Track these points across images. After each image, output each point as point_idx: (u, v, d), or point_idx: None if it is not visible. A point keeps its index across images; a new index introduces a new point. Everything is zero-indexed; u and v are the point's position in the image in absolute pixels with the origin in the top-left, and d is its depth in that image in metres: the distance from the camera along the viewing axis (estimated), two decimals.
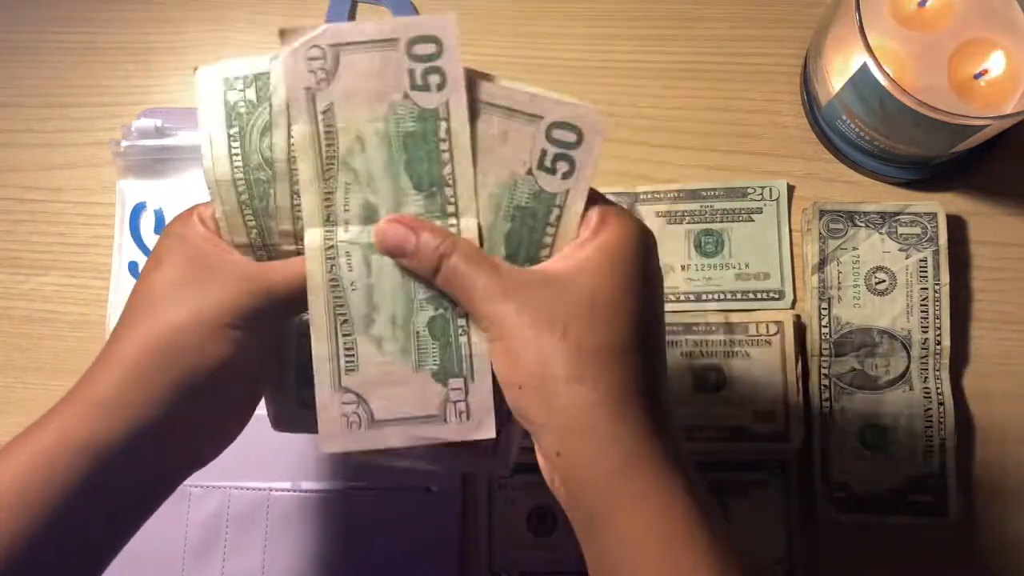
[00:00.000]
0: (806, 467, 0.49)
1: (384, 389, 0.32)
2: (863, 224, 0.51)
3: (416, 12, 0.56)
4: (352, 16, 0.57)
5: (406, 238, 0.31)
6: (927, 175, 0.52)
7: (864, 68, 0.45)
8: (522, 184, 0.31)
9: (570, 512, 0.30)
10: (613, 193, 0.53)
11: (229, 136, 0.33)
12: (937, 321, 0.50)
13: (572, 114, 0.31)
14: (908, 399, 0.49)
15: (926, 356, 0.49)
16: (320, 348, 0.32)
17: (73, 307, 0.54)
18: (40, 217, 0.55)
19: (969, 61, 0.48)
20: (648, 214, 0.52)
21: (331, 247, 0.32)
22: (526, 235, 0.32)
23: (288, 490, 0.50)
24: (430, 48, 0.30)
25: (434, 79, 0.31)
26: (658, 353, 0.31)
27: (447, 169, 0.31)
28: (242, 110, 0.32)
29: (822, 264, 0.50)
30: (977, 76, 0.48)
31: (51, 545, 0.30)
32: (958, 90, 0.47)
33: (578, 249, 0.31)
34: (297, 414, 0.37)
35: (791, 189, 0.53)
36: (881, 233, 0.50)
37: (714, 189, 0.52)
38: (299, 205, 0.32)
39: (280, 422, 0.37)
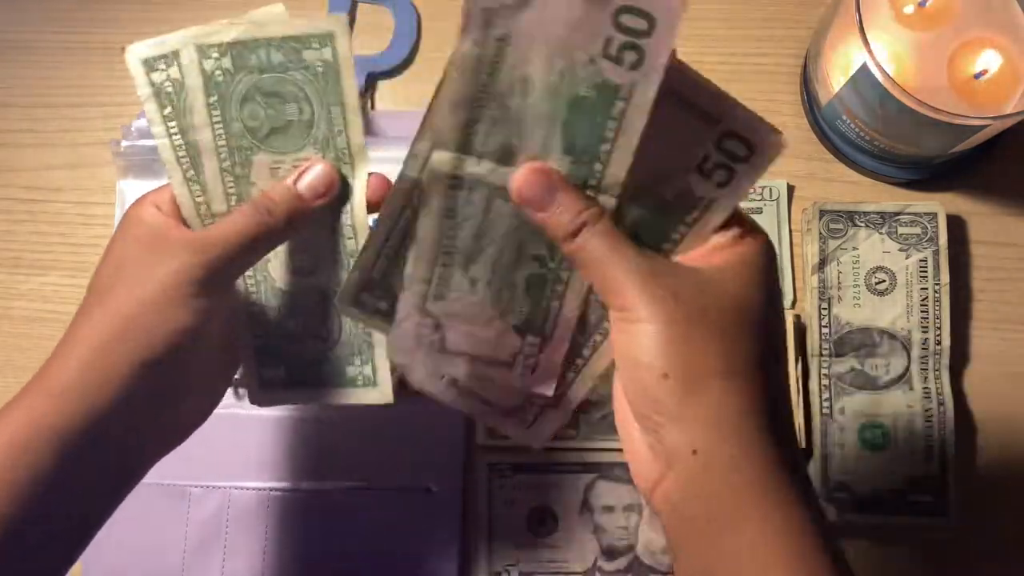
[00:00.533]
0: (806, 467, 0.49)
1: (464, 324, 0.32)
2: (863, 224, 0.51)
3: (416, 12, 0.56)
4: (352, 16, 0.57)
5: (548, 192, 0.29)
6: (927, 175, 0.52)
7: (864, 68, 0.45)
8: (676, 181, 0.30)
9: (675, 515, 0.29)
10: None
11: (209, 105, 0.33)
12: (937, 321, 0.50)
13: (747, 125, 0.29)
14: (908, 399, 0.49)
15: (926, 356, 0.49)
16: (417, 268, 0.31)
17: (73, 307, 0.53)
18: (40, 217, 0.55)
19: (969, 61, 0.48)
20: None
21: (457, 176, 0.30)
22: (656, 225, 0.30)
23: (288, 490, 0.50)
24: (640, 23, 0.27)
25: (630, 56, 0.27)
26: (785, 373, 0.31)
27: (606, 147, 0.29)
28: (220, 79, 0.33)
29: (822, 264, 0.50)
30: (977, 76, 0.48)
31: (21, 532, 0.30)
32: (958, 90, 0.47)
33: (714, 253, 0.30)
34: (262, 392, 0.38)
35: (791, 189, 0.53)
36: (881, 233, 0.50)
37: None
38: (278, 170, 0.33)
39: (252, 398, 0.39)
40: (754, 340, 0.29)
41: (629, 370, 0.29)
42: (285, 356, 0.38)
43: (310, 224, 0.35)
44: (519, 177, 0.29)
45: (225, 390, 0.37)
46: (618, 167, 0.29)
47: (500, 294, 0.31)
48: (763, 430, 0.28)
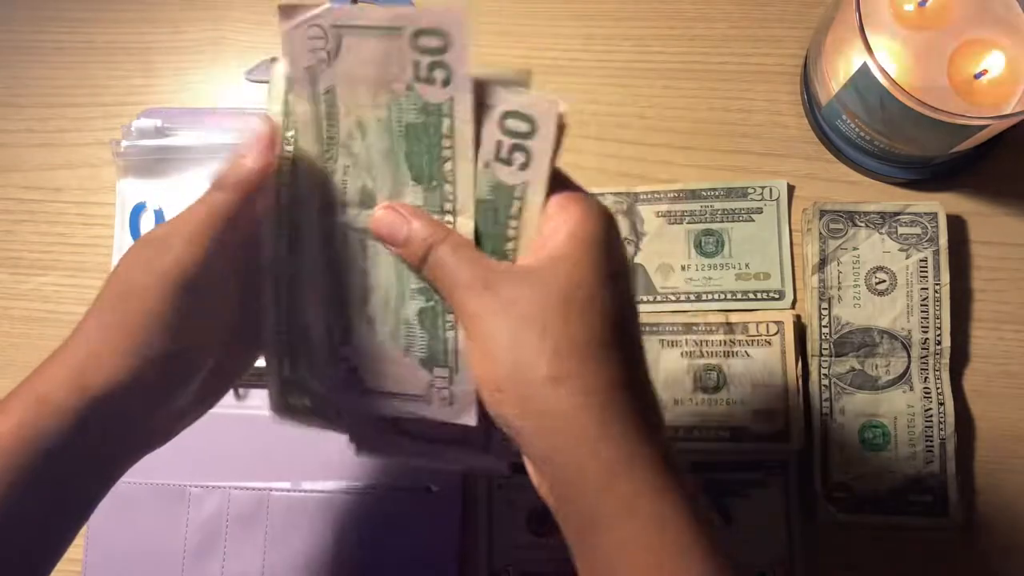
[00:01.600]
0: (806, 467, 0.49)
1: (375, 364, 0.32)
2: (863, 224, 0.51)
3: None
4: None
5: (399, 226, 0.30)
6: (927, 175, 0.52)
7: (864, 68, 0.45)
8: (481, 177, 0.30)
9: (560, 519, 0.30)
10: (613, 193, 0.53)
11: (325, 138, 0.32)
12: (937, 321, 0.50)
13: (525, 103, 0.29)
14: (908, 399, 0.49)
15: (926, 356, 0.49)
16: (317, 320, 0.32)
17: (73, 307, 0.54)
18: (40, 217, 0.55)
19: (969, 61, 0.48)
20: (648, 214, 0.52)
21: (329, 228, 0.31)
22: (490, 228, 0.31)
23: (288, 490, 0.50)
24: (435, 42, 0.29)
25: (439, 74, 0.29)
26: (637, 345, 0.30)
27: (448, 166, 0.30)
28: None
29: (822, 264, 0.50)
30: (977, 76, 0.48)
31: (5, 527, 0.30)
32: (958, 90, 0.47)
33: (548, 239, 0.29)
34: (287, 414, 0.36)
35: (791, 189, 0.53)
36: (881, 233, 0.50)
37: (714, 189, 0.52)
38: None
39: (274, 414, 0.37)
40: (585, 327, 0.28)
41: (480, 389, 0.30)
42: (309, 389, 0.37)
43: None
44: (374, 219, 0.31)
45: (224, 393, 0.37)
46: (464, 184, 0.30)
47: (397, 332, 0.32)
48: (608, 423, 0.28)
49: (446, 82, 0.29)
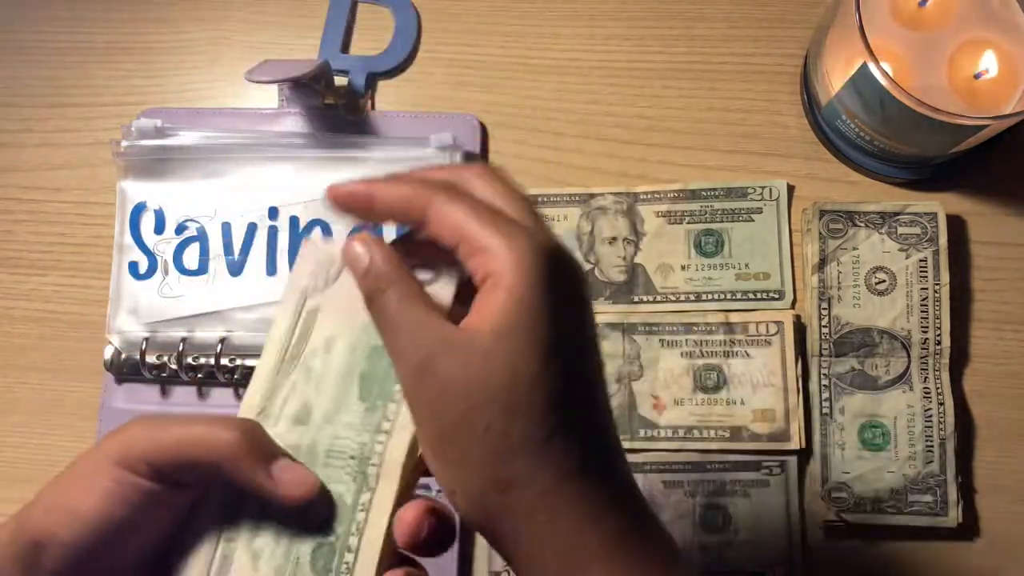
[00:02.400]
0: (806, 467, 0.49)
1: None
2: (863, 224, 0.51)
3: (416, 12, 0.56)
4: (352, 16, 0.57)
5: (363, 257, 0.29)
6: (927, 175, 0.52)
7: (864, 68, 0.45)
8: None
9: None
10: (613, 193, 0.53)
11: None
12: (937, 321, 0.50)
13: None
14: (908, 399, 0.49)
15: (926, 356, 0.49)
16: (199, 556, 0.30)
17: (73, 307, 0.54)
18: (40, 217, 0.55)
19: (969, 61, 0.48)
20: (648, 214, 0.52)
21: None
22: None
23: None
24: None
25: None
26: (600, 405, 0.28)
27: (397, 386, 0.30)
28: None
29: (822, 264, 0.50)
30: (977, 76, 0.48)
31: None
32: (958, 90, 0.47)
33: (483, 300, 0.26)
34: None
35: (791, 189, 0.53)
36: (881, 233, 0.50)
37: (714, 189, 0.52)
38: None
39: None
40: (527, 421, 0.26)
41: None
42: None
43: None
44: (346, 245, 0.29)
45: None
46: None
47: (282, 569, 0.29)
48: (560, 517, 0.26)
49: None
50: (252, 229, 0.52)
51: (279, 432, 0.30)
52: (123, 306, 0.52)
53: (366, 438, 0.30)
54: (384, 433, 0.30)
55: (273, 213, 0.52)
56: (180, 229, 0.52)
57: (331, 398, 0.30)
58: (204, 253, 0.52)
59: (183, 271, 0.52)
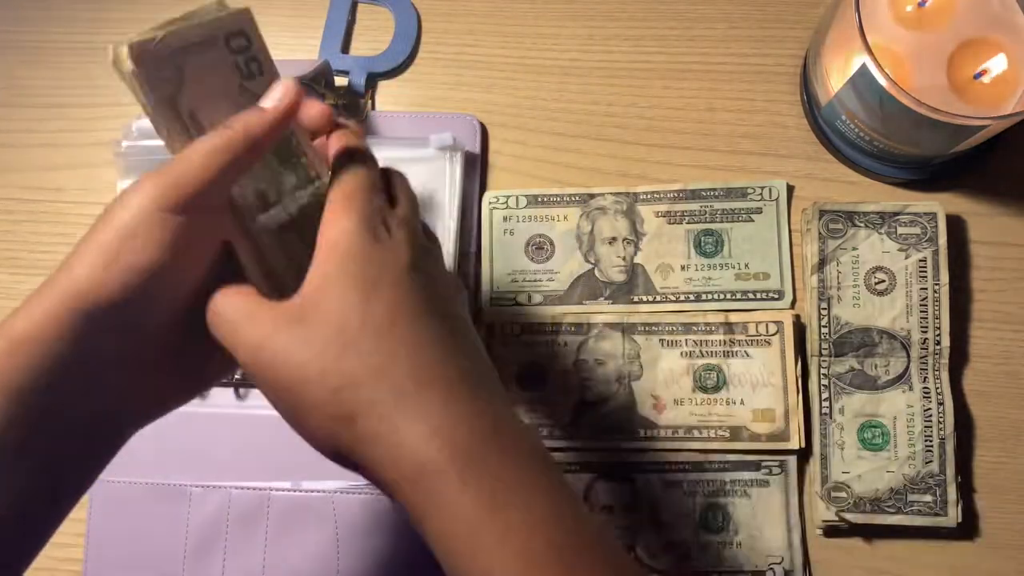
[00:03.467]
0: (806, 467, 0.49)
1: None
2: (863, 224, 0.51)
3: (416, 12, 0.57)
4: (352, 16, 0.57)
5: None
6: (927, 175, 0.52)
7: (864, 68, 0.45)
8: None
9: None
10: (613, 193, 0.53)
11: None
12: (937, 321, 0.50)
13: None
14: (908, 399, 0.49)
15: (925, 356, 0.49)
16: None
17: None
18: (41, 217, 0.55)
19: (969, 61, 0.48)
20: (648, 214, 0.52)
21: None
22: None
23: (289, 490, 0.50)
24: (242, 42, 0.33)
25: (254, 67, 0.34)
26: (434, 332, 0.31)
27: (294, 141, 0.34)
28: None
29: (822, 264, 0.50)
30: (977, 76, 0.48)
31: None
32: (958, 90, 0.48)
33: (320, 245, 0.31)
34: None
35: (791, 189, 0.53)
36: (881, 233, 0.50)
37: (714, 189, 0.52)
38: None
39: None
40: (355, 354, 0.29)
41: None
42: None
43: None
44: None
45: (214, 374, 0.36)
46: (310, 148, 0.35)
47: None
48: (423, 447, 0.28)
49: (261, 72, 0.34)
50: None
51: (265, 219, 0.34)
52: None
53: (309, 188, 0.35)
54: (316, 179, 0.35)
55: None
56: None
57: (267, 176, 0.34)
58: None
59: None
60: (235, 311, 0.31)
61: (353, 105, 0.55)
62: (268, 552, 0.49)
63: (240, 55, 0.33)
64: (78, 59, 0.57)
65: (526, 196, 0.53)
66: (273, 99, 0.32)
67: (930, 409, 0.49)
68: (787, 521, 0.49)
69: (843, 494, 0.48)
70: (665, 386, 0.50)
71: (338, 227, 0.31)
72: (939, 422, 0.49)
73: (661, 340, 0.51)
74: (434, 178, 0.53)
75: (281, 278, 0.33)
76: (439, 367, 0.30)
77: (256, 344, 0.30)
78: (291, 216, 0.34)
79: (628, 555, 0.29)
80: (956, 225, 0.52)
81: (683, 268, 0.52)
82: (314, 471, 0.50)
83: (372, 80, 0.56)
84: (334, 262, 0.30)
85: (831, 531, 0.49)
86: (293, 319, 0.30)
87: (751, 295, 0.51)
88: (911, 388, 0.49)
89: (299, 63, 0.53)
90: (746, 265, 0.51)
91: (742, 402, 0.50)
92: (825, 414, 0.49)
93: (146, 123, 0.53)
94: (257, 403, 0.51)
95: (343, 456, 0.30)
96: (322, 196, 0.33)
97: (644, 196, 0.53)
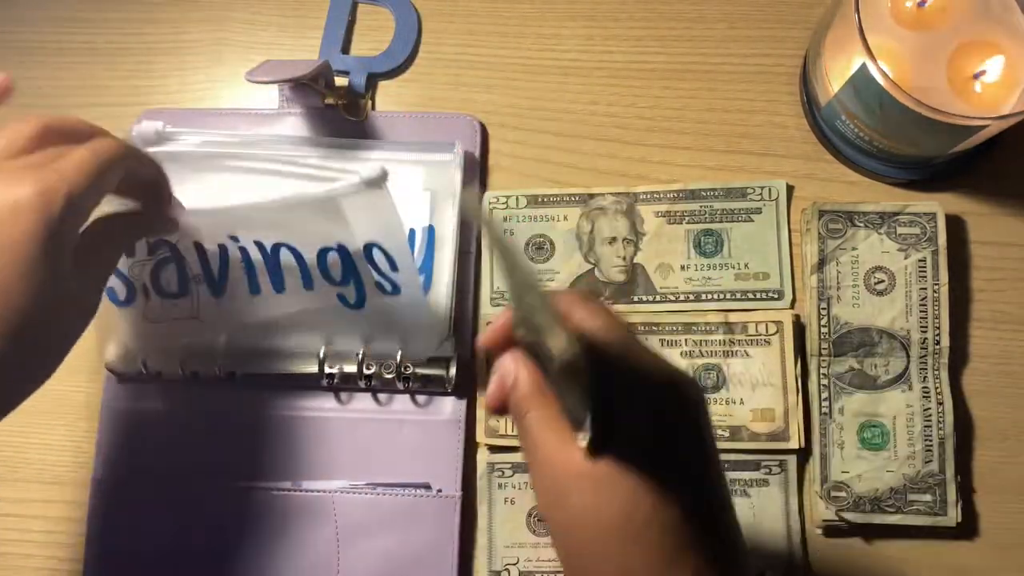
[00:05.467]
0: (805, 466, 0.49)
1: None
2: (862, 224, 0.51)
3: (416, 12, 0.57)
4: (352, 16, 0.57)
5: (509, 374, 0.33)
6: (926, 175, 0.52)
7: (863, 68, 0.45)
8: None
9: None
10: (613, 193, 0.53)
11: None
12: (936, 321, 0.50)
13: None
14: (907, 399, 0.49)
15: (925, 356, 0.49)
16: None
17: None
18: None
19: (968, 61, 0.48)
20: (648, 214, 0.52)
21: None
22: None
23: (289, 490, 0.50)
24: None
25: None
26: (720, 523, 0.30)
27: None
28: None
29: (821, 264, 0.51)
30: (976, 76, 0.48)
31: None
32: (957, 90, 0.48)
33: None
34: None
35: (790, 189, 0.53)
36: (880, 233, 0.51)
37: (713, 189, 0.52)
38: None
39: None
40: (642, 551, 0.29)
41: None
42: None
43: None
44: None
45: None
46: None
47: None
48: None
49: None
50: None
51: None
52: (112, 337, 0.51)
53: None
54: None
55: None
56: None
57: None
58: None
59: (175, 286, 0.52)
60: (543, 437, 0.31)
61: (353, 105, 0.55)
62: (268, 552, 0.49)
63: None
64: (78, 60, 0.57)
65: (526, 196, 0.53)
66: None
67: (930, 409, 0.49)
68: (787, 521, 0.49)
69: (843, 494, 0.48)
70: None
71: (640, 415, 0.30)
72: (939, 422, 0.49)
73: (661, 340, 0.51)
74: (434, 178, 0.53)
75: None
76: (721, 565, 0.30)
77: (561, 489, 0.30)
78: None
79: None
80: (956, 225, 0.52)
81: (683, 268, 0.52)
82: (314, 471, 0.50)
83: (372, 80, 0.56)
84: (633, 452, 0.30)
85: (831, 531, 0.49)
86: (591, 484, 0.30)
87: (751, 295, 0.51)
88: (911, 388, 0.49)
89: (299, 63, 0.53)
90: (746, 265, 0.51)
91: (742, 402, 0.50)
92: (825, 414, 0.49)
93: (147, 127, 0.53)
94: (258, 403, 0.51)
95: None
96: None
97: (644, 196, 0.53)
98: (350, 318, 0.49)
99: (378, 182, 0.42)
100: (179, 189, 0.45)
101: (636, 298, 0.52)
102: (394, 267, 0.45)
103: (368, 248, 0.45)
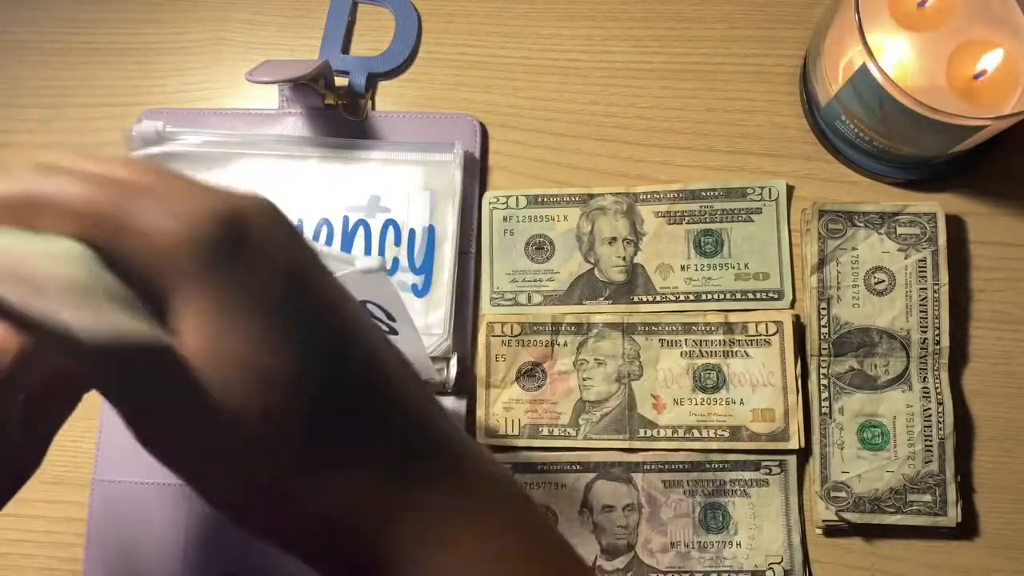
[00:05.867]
0: (805, 467, 0.49)
1: None
2: (862, 224, 0.51)
3: (416, 13, 0.57)
4: (352, 16, 0.57)
5: None
6: (927, 175, 0.52)
7: (863, 69, 0.45)
8: None
9: None
10: (613, 193, 0.53)
11: None
12: (936, 321, 0.50)
13: None
14: (907, 399, 0.49)
15: (925, 356, 0.49)
16: None
17: None
18: None
19: (968, 61, 0.48)
20: (647, 214, 0.52)
21: None
22: None
23: None
24: None
25: None
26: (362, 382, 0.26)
27: None
28: None
29: (821, 264, 0.51)
30: (976, 76, 0.48)
31: None
32: (958, 90, 0.48)
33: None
34: None
35: (790, 189, 0.53)
36: (880, 233, 0.51)
37: (713, 189, 0.52)
38: None
39: None
40: (272, 459, 0.24)
41: None
42: None
43: None
44: None
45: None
46: None
47: None
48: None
49: None
50: None
51: None
52: None
53: None
54: None
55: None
56: None
57: None
58: None
59: None
60: None
61: (353, 105, 0.55)
62: (269, 551, 0.49)
63: None
64: (78, 60, 0.57)
65: (526, 196, 0.53)
66: None
67: (930, 409, 0.49)
68: (787, 521, 0.49)
69: (843, 494, 0.48)
70: (665, 386, 0.50)
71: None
72: (939, 422, 0.49)
73: (661, 340, 0.51)
74: (434, 178, 0.53)
75: None
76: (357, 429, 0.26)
77: None
78: None
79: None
80: (956, 225, 0.52)
81: (683, 268, 0.52)
82: None
83: (372, 80, 0.56)
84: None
85: (831, 531, 0.49)
86: None
87: (751, 295, 0.51)
88: (911, 388, 0.49)
89: (299, 63, 0.53)
90: (746, 265, 0.51)
91: (742, 402, 0.50)
92: (825, 414, 0.49)
93: (148, 126, 0.53)
94: None
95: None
96: None
97: (644, 196, 0.53)
98: None
99: (376, 271, 0.41)
100: None
101: (636, 298, 0.52)
102: (391, 318, 0.45)
103: (364, 302, 0.45)
